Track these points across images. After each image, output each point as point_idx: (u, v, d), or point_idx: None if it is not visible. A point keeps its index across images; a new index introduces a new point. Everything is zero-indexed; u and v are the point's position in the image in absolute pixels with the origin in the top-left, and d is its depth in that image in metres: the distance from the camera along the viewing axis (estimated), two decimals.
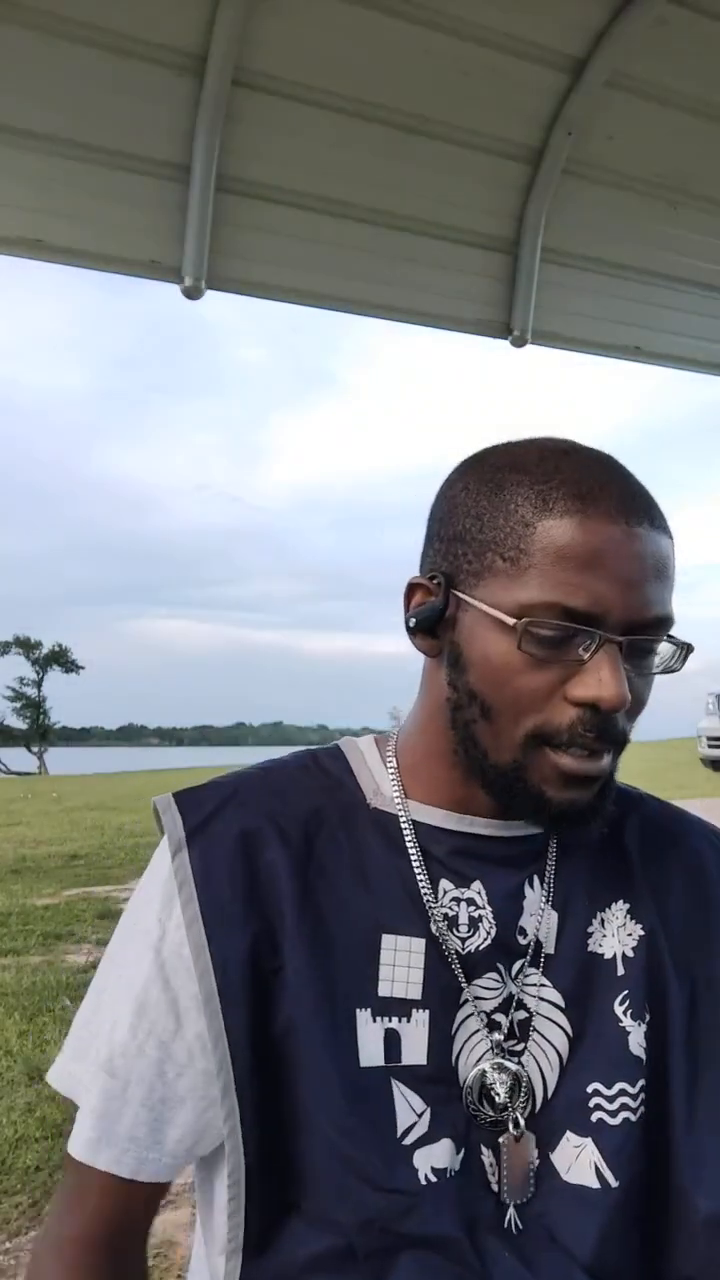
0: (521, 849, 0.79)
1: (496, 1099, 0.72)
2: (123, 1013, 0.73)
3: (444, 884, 0.76)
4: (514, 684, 0.69)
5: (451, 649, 0.74)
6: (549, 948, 0.77)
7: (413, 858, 0.76)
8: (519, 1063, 0.74)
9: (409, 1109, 0.70)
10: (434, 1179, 0.68)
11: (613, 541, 0.67)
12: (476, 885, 0.76)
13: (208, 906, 0.71)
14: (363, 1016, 0.71)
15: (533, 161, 2.63)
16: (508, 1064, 0.73)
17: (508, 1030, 0.75)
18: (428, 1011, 0.73)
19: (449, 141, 2.53)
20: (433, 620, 0.74)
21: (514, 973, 0.76)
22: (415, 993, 0.73)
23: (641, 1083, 0.75)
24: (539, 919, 0.78)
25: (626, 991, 0.77)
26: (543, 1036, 0.75)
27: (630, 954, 0.79)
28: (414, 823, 0.77)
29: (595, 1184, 0.72)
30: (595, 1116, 0.73)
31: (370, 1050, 0.71)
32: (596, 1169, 0.72)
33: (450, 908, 0.76)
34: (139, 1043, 0.72)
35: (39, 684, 75.89)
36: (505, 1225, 0.71)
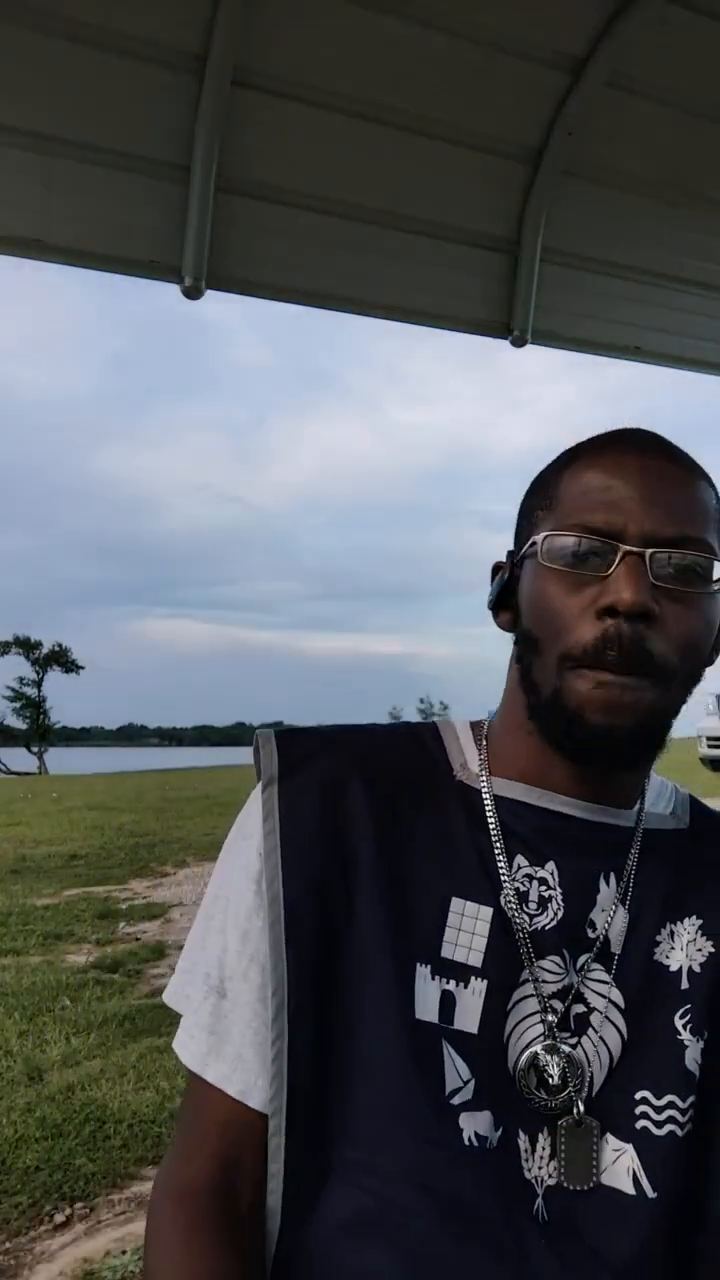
0: (602, 838, 0.78)
1: (550, 1081, 0.72)
2: (231, 939, 0.76)
3: (519, 859, 0.77)
4: (551, 607, 0.72)
5: (516, 611, 0.79)
6: (615, 948, 0.77)
7: (492, 830, 0.77)
8: (578, 1051, 0.74)
9: (456, 1073, 0.70)
10: (476, 1143, 0.68)
11: (629, 468, 0.72)
12: (550, 865, 0.77)
13: (287, 843, 0.74)
14: (422, 972, 0.72)
15: (533, 161, 2.63)
16: (561, 1047, 0.73)
17: (562, 1019, 0.74)
18: (486, 982, 0.73)
19: (449, 141, 2.53)
20: (505, 592, 0.80)
21: (579, 965, 0.76)
22: (476, 959, 0.73)
23: (692, 1099, 0.74)
24: (609, 915, 0.77)
25: (690, 1006, 0.76)
26: (597, 1034, 0.75)
27: (698, 969, 0.78)
28: (496, 798, 0.79)
29: (631, 1190, 0.71)
30: (640, 1124, 0.73)
31: (426, 1005, 0.71)
32: (634, 1176, 0.72)
33: (522, 883, 0.76)
34: (243, 967, 0.75)
35: (39, 684, 75.87)
36: (533, 1213, 0.70)
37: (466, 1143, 0.68)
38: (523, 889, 0.76)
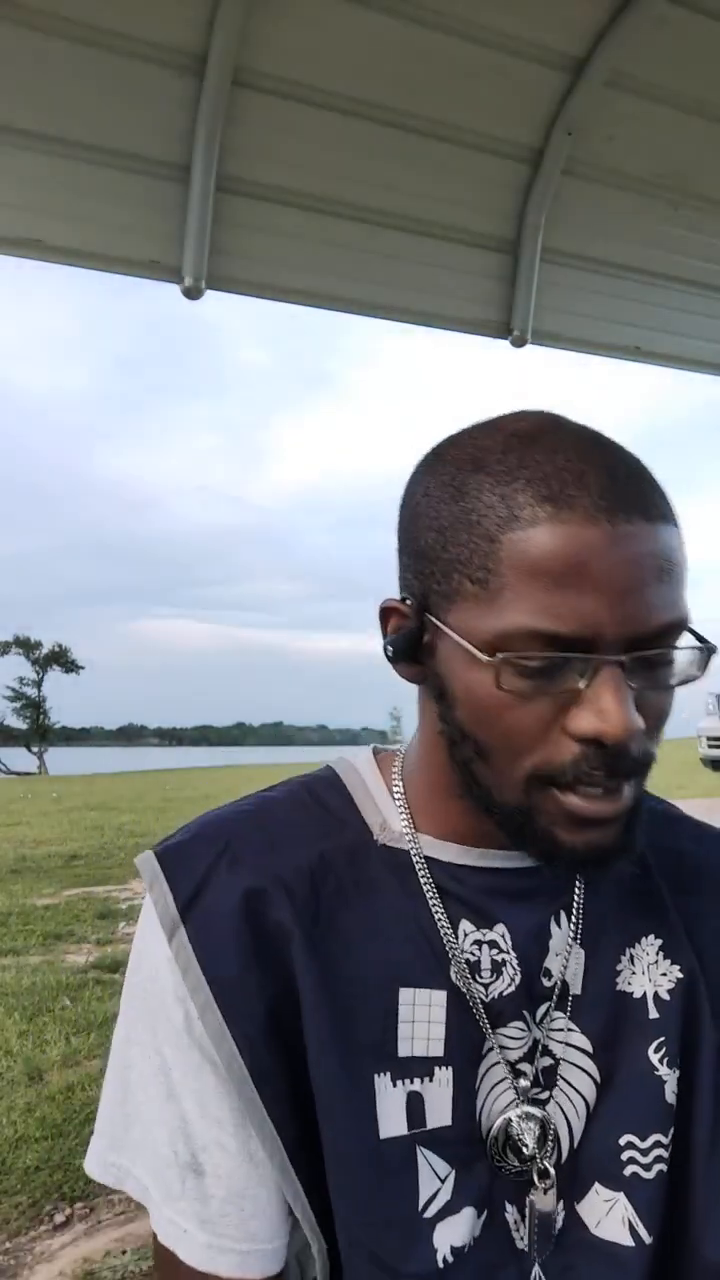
0: (545, 881, 0.71)
1: (525, 1150, 0.67)
2: (187, 1106, 0.66)
3: (464, 925, 0.69)
4: (504, 722, 0.60)
5: (435, 680, 0.65)
6: (575, 988, 0.71)
7: (430, 900, 0.69)
8: (544, 1110, 0.69)
9: (432, 1175, 0.66)
10: (451, 1259, 0.64)
11: (595, 547, 0.56)
12: (500, 927, 0.69)
13: (219, 988, 0.64)
14: (382, 1083, 0.65)
15: (533, 161, 2.63)
16: (534, 1111, 0.68)
17: (533, 1078, 0.69)
18: (451, 1069, 0.67)
19: (449, 141, 2.53)
20: (411, 647, 0.65)
21: (539, 1018, 0.70)
22: (438, 1049, 0.67)
23: (673, 1132, 0.70)
24: (565, 958, 0.71)
25: (663, 1038, 0.71)
26: (568, 1083, 0.70)
27: (666, 996, 0.73)
28: (427, 859, 0.70)
29: (629, 1241, 0.68)
30: (629, 1170, 0.69)
31: (391, 1119, 0.65)
32: (630, 1225, 0.68)
33: (472, 952, 0.69)
34: (213, 1135, 0.65)
35: (39, 684, 75.92)
36: None
37: (441, 1264, 0.64)
38: (472, 958, 0.68)
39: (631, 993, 0.73)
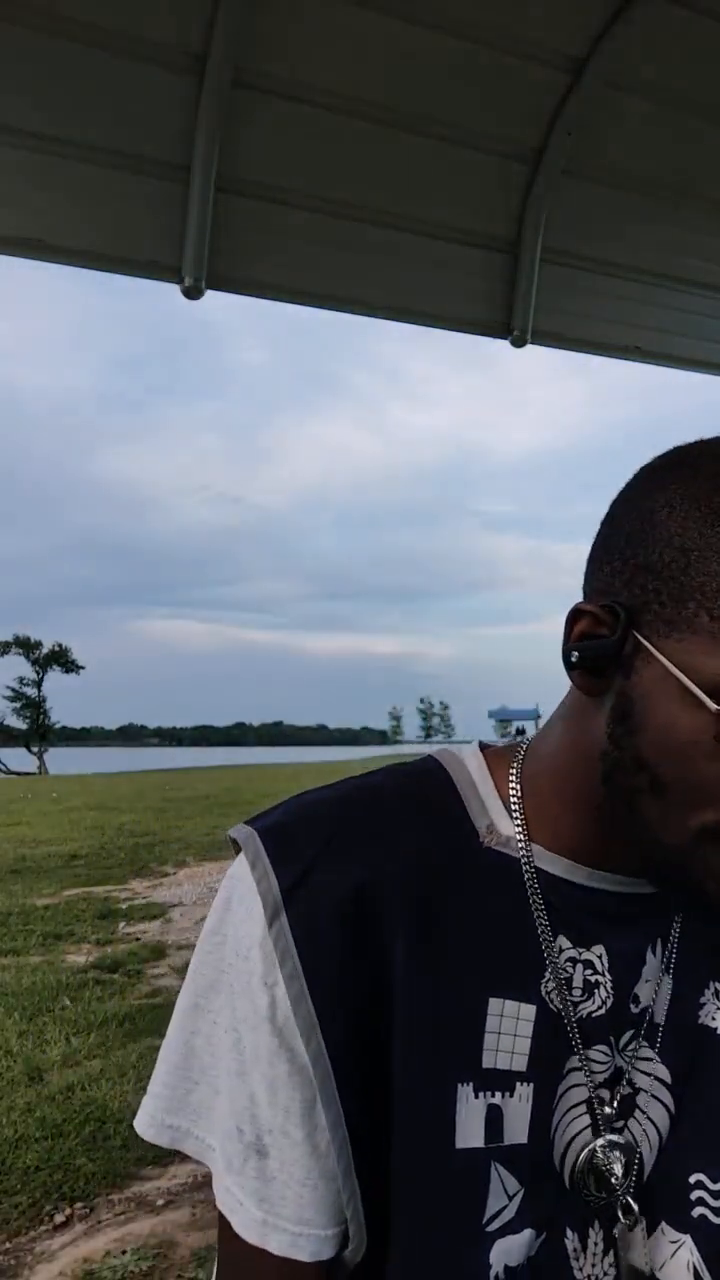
0: (650, 908, 0.70)
1: (613, 1179, 0.65)
2: (258, 1088, 0.64)
3: (561, 940, 0.67)
4: (701, 771, 0.57)
5: (620, 700, 0.61)
6: (659, 1017, 0.70)
7: (535, 914, 0.66)
8: (626, 1139, 0.67)
9: (502, 1191, 0.64)
10: (504, 1277, 0.63)
11: None
12: (598, 948, 0.67)
13: (315, 980, 0.62)
14: (464, 1092, 0.63)
15: (533, 161, 2.64)
16: (618, 1140, 0.66)
17: (611, 1106, 0.68)
18: (532, 1085, 0.65)
19: (449, 141, 2.53)
20: (602, 660, 0.61)
21: (621, 1045, 0.68)
22: (520, 1064, 0.65)
23: None
24: (655, 986, 0.69)
25: None
26: (645, 1115, 0.68)
27: None
28: (537, 870, 0.67)
29: None
30: (696, 1211, 0.66)
31: (469, 1130, 0.63)
32: (695, 1271, 0.65)
33: (566, 968, 0.66)
34: (280, 1122, 0.64)
35: (39, 684, 76.07)
36: None
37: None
38: (565, 974, 0.67)
39: (715, 1028, 0.71)
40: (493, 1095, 0.64)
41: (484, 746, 0.75)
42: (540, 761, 0.70)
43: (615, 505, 0.64)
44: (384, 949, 0.63)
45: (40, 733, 74.03)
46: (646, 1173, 0.67)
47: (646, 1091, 0.68)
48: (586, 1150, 0.66)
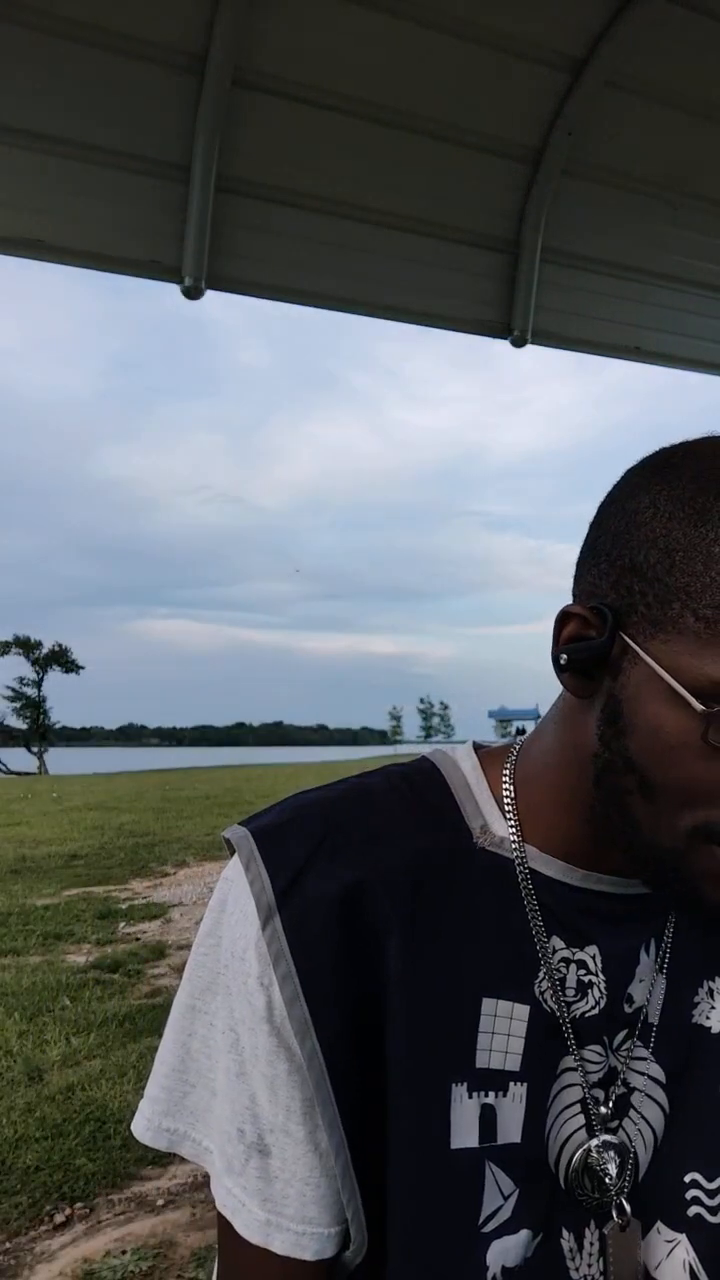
0: (644, 908, 0.70)
1: (608, 1180, 0.66)
2: (258, 1088, 0.65)
3: (555, 940, 0.67)
4: (689, 770, 0.57)
5: (610, 702, 0.61)
6: (653, 1018, 0.70)
7: (529, 914, 0.67)
8: (621, 1139, 0.67)
9: (497, 1192, 0.64)
10: (501, 1279, 0.63)
11: None
12: (591, 948, 0.68)
13: (309, 981, 0.62)
14: (459, 1092, 0.64)
15: (533, 161, 2.64)
16: (612, 1140, 0.66)
17: (606, 1106, 0.68)
18: (525, 1085, 0.65)
19: (449, 141, 2.53)
20: (591, 662, 0.61)
21: (615, 1044, 0.68)
22: (514, 1064, 0.65)
23: None
24: (649, 986, 0.69)
25: None
26: (640, 1115, 0.68)
27: None
28: (531, 872, 0.67)
29: None
30: (692, 1210, 0.67)
31: (464, 1130, 0.64)
32: (691, 1271, 0.66)
33: (559, 969, 0.67)
34: (281, 1120, 0.65)
35: (39, 684, 76.08)
36: None
37: None
38: (559, 975, 0.67)
39: (709, 1027, 0.71)
40: (486, 1095, 0.64)
41: (478, 747, 0.75)
42: (533, 763, 0.70)
43: (602, 507, 0.64)
44: (378, 950, 0.63)
45: (40, 733, 74.05)
46: (642, 1173, 0.67)
47: (641, 1091, 0.68)
48: (581, 1150, 0.66)
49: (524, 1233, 0.64)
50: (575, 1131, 0.66)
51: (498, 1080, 0.65)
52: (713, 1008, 0.71)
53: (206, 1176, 0.73)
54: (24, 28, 2.09)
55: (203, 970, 0.68)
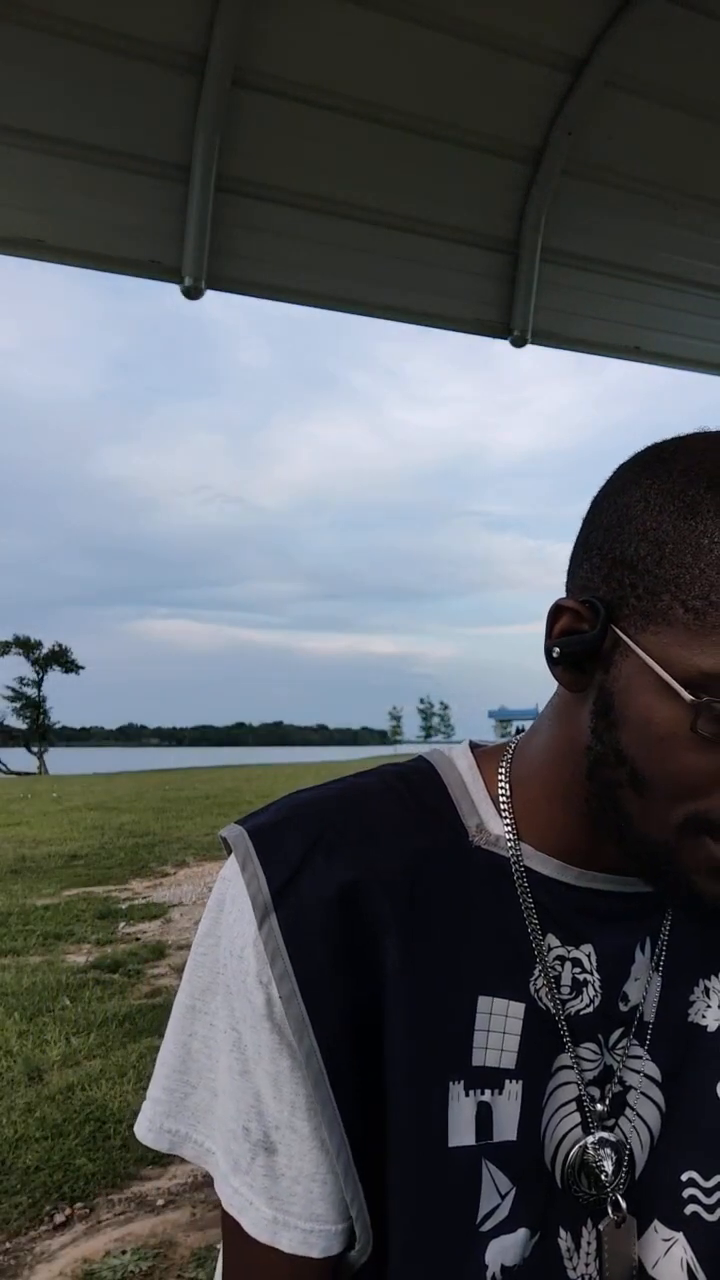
0: (640, 906, 0.70)
1: (604, 1177, 0.66)
2: (262, 1085, 0.65)
3: (550, 938, 0.67)
4: (681, 762, 0.57)
5: (601, 695, 0.61)
6: (649, 1016, 0.70)
7: (524, 913, 0.67)
8: (617, 1136, 0.67)
9: (494, 1190, 0.64)
10: (501, 1278, 0.64)
11: None
12: (586, 946, 0.68)
13: (305, 980, 0.62)
14: (455, 1090, 0.64)
15: (533, 161, 2.64)
16: (609, 1137, 0.67)
17: (602, 1104, 0.68)
18: (521, 1083, 0.66)
19: (449, 141, 2.53)
20: (583, 655, 0.61)
21: (611, 1043, 0.68)
22: (510, 1061, 0.65)
23: None
24: (644, 984, 0.69)
25: None
26: (636, 1113, 0.68)
27: None
28: (526, 870, 0.68)
29: None
30: (689, 1209, 0.67)
31: (461, 1128, 0.64)
32: (689, 1269, 0.66)
33: (554, 967, 0.67)
34: (286, 1117, 0.65)
35: (39, 684, 76.07)
36: None
37: None
38: (554, 972, 0.67)
39: (705, 1025, 0.71)
40: (482, 1093, 0.64)
41: (474, 746, 0.75)
42: (529, 760, 0.70)
43: (594, 503, 0.65)
44: (374, 948, 0.63)
45: (40, 733, 74.06)
46: (638, 1171, 0.67)
47: (637, 1089, 0.68)
48: (577, 1147, 0.66)
49: (522, 1231, 0.64)
50: (571, 1129, 0.67)
51: (493, 1078, 0.65)
52: (709, 1006, 0.71)
53: (207, 1176, 0.73)
54: (24, 28, 2.09)
55: (202, 970, 0.68)
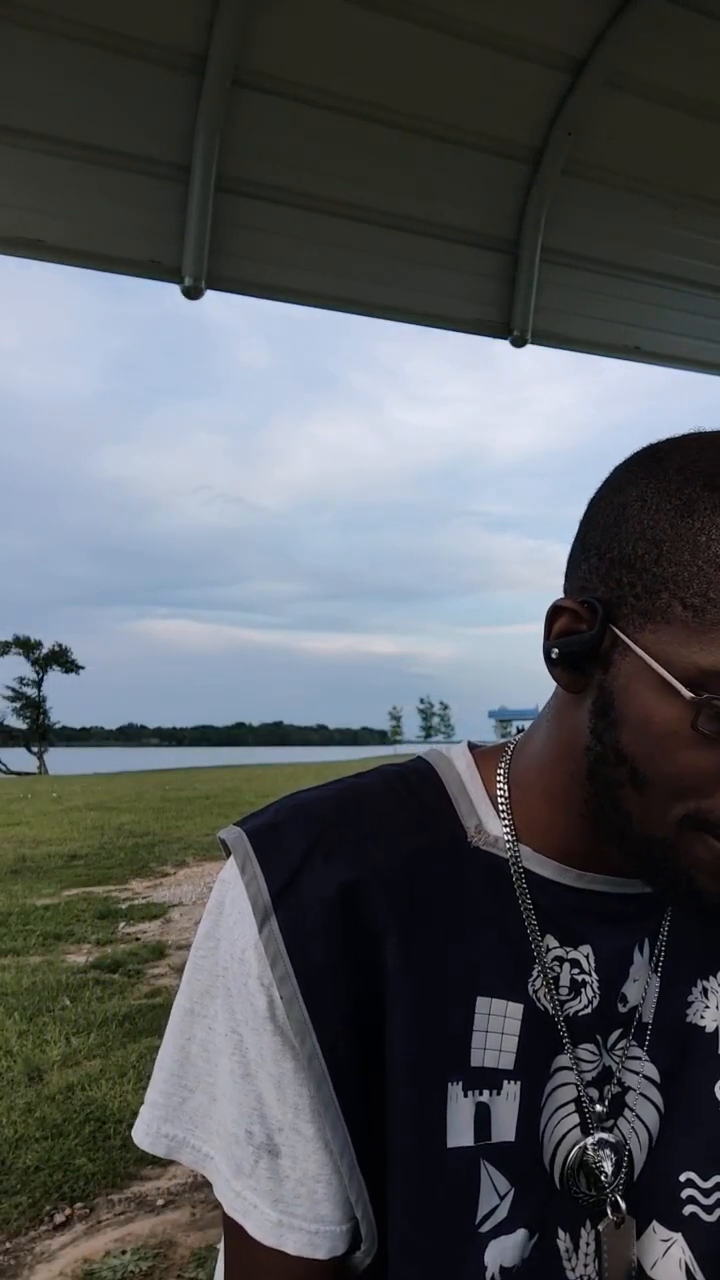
0: (638, 907, 0.70)
1: (603, 1177, 0.66)
2: (265, 1088, 0.65)
3: (549, 940, 0.67)
4: (679, 760, 0.57)
5: (600, 694, 0.61)
6: (647, 1016, 0.70)
7: (523, 913, 0.67)
8: (619, 1135, 0.67)
9: (493, 1191, 0.64)
10: (500, 1279, 0.64)
11: None
12: (585, 947, 0.68)
13: (307, 982, 0.62)
14: (454, 1090, 0.64)
15: (533, 161, 2.64)
16: (608, 1138, 0.67)
17: (601, 1104, 0.68)
18: (519, 1083, 0.66)
19: (449, 141, 2.53)
20: (582, 655, 0.61)
21: (610, 1044, 0.68)
22: (508, 1062, 0.65)
23: None
24: (643, 985, 0.69)
25: None
26: (635, 1114, 0.68)
27: None
28: (525, 871, 0.67)
29: None
30: (687, 1210, 0.67)
31: (459, 1129, 0.64)
32: (687, 1270, 0.66)
33: (553, 968, 0.67)
34: (289, 1119, 0.64)
35: (39, 684, 76.07)
36: None
37: None
38: (553, 973, 0.67)
39: (703, 1026, 0.71)
40: (481, 1094, 0.64)
41: (473, 746, 0.75)
42: (527, 761, 0.70)
43: (592, 503, 0.65)
44: (374, 949, 0.63)
45: (40, 733, 74.07)
46: (637, 1172, 0.67)
47: (636, 1090, 0.68)
48: (576, 1148, 0.66)
49: (521, 1232, 0.64)
50: (570, 1130, 0.67)
51: (492, 1079, 0.65)
52: (707, 1007, 0.71)
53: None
54: (24, 28, 2.09)
55: (201, 973, 0.68)
